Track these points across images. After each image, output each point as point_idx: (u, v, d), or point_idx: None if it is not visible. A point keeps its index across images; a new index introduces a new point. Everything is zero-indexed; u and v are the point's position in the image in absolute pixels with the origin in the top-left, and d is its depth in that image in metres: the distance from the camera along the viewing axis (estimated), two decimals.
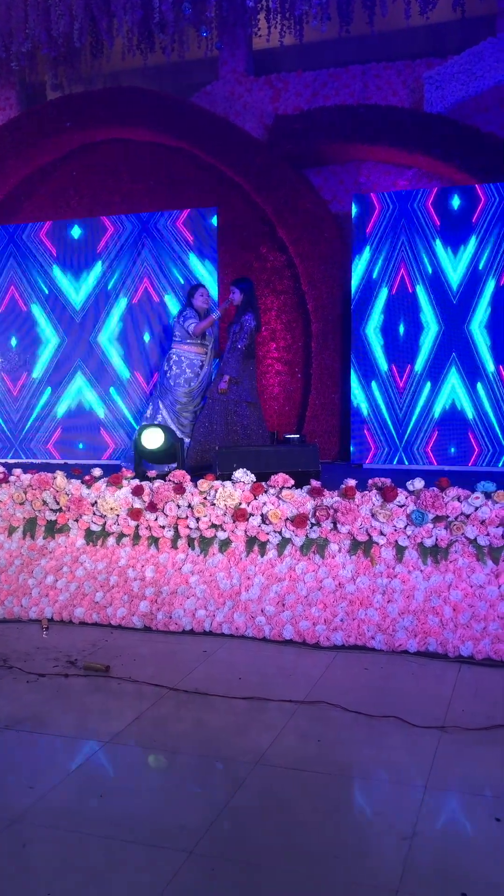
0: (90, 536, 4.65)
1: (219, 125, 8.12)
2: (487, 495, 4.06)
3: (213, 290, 7.58)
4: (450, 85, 7.60)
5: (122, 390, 7.84)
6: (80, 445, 7.97)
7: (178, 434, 6.23)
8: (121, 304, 7.84)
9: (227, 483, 4.47)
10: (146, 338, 7.77)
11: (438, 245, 7.09)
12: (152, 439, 5.23)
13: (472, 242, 7.00)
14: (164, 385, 6.56)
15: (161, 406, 6.52)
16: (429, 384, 7.15)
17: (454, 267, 7.05)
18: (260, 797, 2.48)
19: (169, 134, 8.19)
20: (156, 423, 6.02)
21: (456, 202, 7.04)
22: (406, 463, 7.18)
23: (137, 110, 8.23)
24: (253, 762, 2.67)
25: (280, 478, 4.39)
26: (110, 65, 8.33)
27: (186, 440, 6.27)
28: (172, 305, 7.65)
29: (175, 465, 5.43)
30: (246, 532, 4.34)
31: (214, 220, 7.59)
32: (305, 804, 2.44)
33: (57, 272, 8.02)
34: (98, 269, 7.92)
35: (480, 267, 6.99)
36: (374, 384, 7.31)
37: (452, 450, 7.11)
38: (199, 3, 7.11)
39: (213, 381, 6.42)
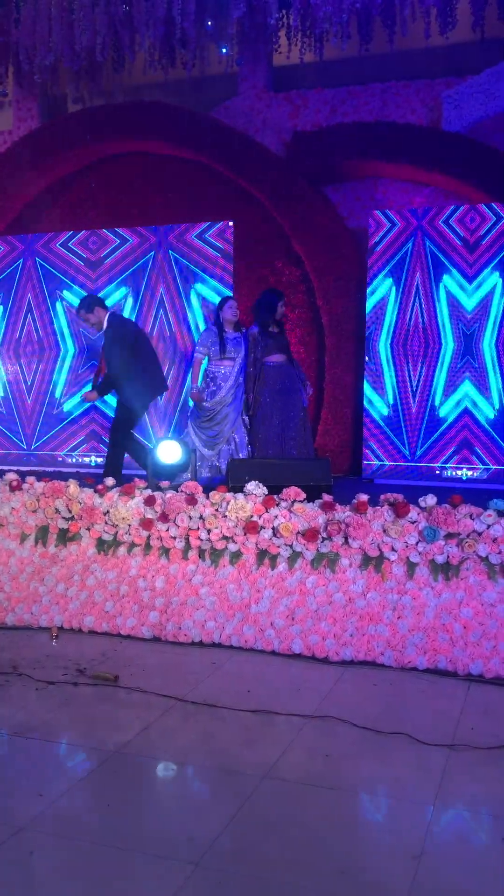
0: (101, 545, 4.67)
1: (237, 140, 8.18)
2: (500, 513, 4.05)
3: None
4: (468, 104, 7.64)
5: None
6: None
7: (205, 452, 6.17)
8: (136, 315, 7.89)
9: (239, 495, 4.47)
10: (159, 349, 7.81)
11: (454, 262, 7.11)
12: (170, 454, 5.18)
13: (488, 260, 7.02)
14: (195, 404, 6.33)
15: (191, 428, 6.34)
16: (442, 401, 7.16)
17: (469, 284, 7.07)
18: (267, 811, 2.47)
19: (188, 148, 8.26)
20: (171, 437, 5.97)
21: (473, 220, 7.06)
22: (418, 478, 7.17)
23: (157, 124, 8.31)
24: (260, 776, 2.66)
25: (292, 491, 4.40)
26: (131, 79, 8.43)
27: (208, 452, 6.22)
28: (186, 317, 7.70)
29: (188, 475, 5.44)
30: (257, 545, 4.34)
31: (231, 234, 7.65)
32: (313, 819, 2.43)
33: (74, 282, 8.09)
34: (115, 280, 7.98)
35: (495, 285, 7.00)
36: (386, 399, 7.32)
37: (465, 466, 7.10)
38: (221, 20, 7.19)
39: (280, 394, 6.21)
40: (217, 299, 7.19)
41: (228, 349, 6.27)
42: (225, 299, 6.53)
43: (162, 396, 7.08)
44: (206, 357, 6.30)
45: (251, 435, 6.22)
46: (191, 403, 6.40)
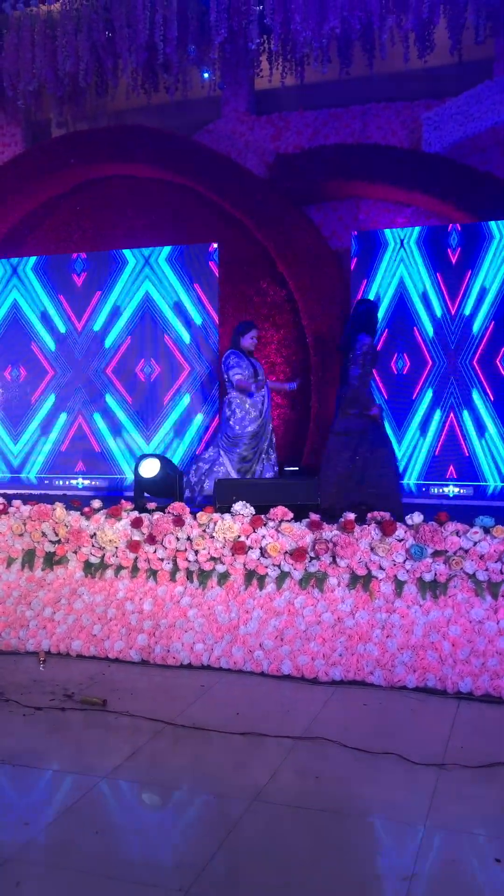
0: (89, 568, 4.64)
1: (221, 162, 8.25)
2: (486, 530, 4.07)
3: (213, 322, 7.65)
4: (447, 126, 7.74)
5: (118, 421, 7.88)
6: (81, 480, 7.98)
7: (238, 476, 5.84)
8: (121, 337, 7.91)
9: (227, 515, 4.47)
10: (146, 370, 7.83)
11: (435, 281, 7.17)
12: (149, 469, 5.25)
13: (468, 278, 7.09)
14: (227, 434, 5.95)
15: (223, 455, 5.93)
16: (427, 418, 7.19)
17: (450, 302, 7.13)
18: (257, 835, 2.45)
19: (171, 171, 8.32)
20: (153, 453, 5.91)
21: (453, 239, 7.14)
22: (405, 496, 7.19)
23: (141, 147, 8.37)
24: (250, 798, 2.64)
25: (279, 510, 4.40)
26: (115, 103, 8.48)
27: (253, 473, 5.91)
28: (173, 338, 7.73)
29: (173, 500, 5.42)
30: (245, 565, 4.34)
31: (216, 256, 7.69)
32: (303, 842, 2.41)
33: (59, 305, 8.10)
34: (100, 302, 7.99)
35: (476, 302, 7.07)
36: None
37: (451, 484, 7.12)
38: (203, 45, 7.27)
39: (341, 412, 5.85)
40: (200, 321, 7.21)
41: (259, 376, 5.96)
42: (247, 326, 6.06)
43: None
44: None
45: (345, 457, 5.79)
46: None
